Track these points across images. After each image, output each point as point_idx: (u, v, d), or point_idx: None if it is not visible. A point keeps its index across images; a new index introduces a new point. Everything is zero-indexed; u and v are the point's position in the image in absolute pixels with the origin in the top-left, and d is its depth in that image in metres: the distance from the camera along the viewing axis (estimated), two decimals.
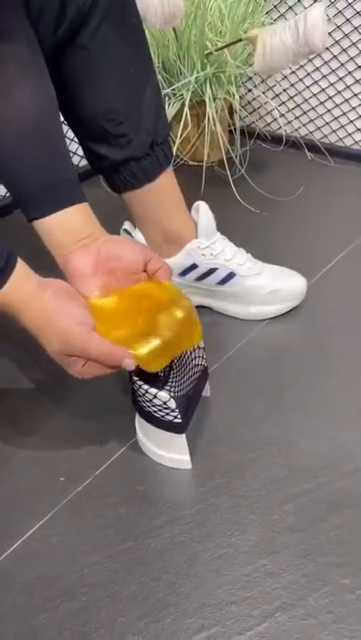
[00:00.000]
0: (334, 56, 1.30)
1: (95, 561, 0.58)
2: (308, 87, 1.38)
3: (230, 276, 0.84)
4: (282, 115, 1.44)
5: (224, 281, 0.84)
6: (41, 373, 0.80)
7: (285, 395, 0.75)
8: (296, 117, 1.43)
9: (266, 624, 0.52)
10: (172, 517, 0.61)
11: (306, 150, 1.38)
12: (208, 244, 0.82)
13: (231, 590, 0.55)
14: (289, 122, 1.44)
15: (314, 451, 0.67)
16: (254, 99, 1.47)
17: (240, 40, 1.09)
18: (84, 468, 0.67)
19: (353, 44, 1.26)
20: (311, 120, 1.41)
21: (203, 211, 0.81)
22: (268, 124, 1.48)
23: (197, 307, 0.88)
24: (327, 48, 1.30)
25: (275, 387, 0.76)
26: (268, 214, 1.14)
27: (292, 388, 0.76)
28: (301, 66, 1.36)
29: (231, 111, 1.34)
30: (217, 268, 0.83)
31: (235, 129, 1.30)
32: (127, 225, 0.86)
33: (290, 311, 0.88)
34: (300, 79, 1.38)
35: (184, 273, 0.84)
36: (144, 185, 0.77)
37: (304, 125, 1.42)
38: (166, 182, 0.78)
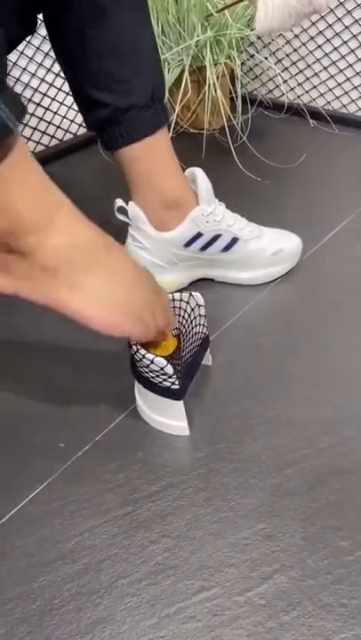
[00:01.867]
0: (338, 19, 1.27)
1: (95, 525, 0.58)
2: (311, 52, 1.34)
3: (234, 241, 0.83)
4: (285, 81, 1.41)
5: (228, 247, 0.83)
6: (39, 338, 0.79)
7: (286, 362, 0.74)
8: (299, 84, 1.40)
9: (265, 585, 0.52)
10: (172, 482, 0.61)
11: (309, 117, 1.35)
12: (211, 209, 0.80)
13: (230, 553, 0.55)
14: (292, 88, 1.41)
15: (315, 416, 0.67)
16: (256, 65, 1.43)
17: (242, 0, 1.06)
18: (83, 434, 0.66)
19: (358, 5, 1.23)
20: (314, 86, 1.38)
21: (200, 177, 0.79)
22: (271, 91, 1.45)
23: (200, 280, 0.88)
24: (331, 9, 1.26)
25: (275, 354, 0.76)
26: (270, 182, 1.12)
27: (293, 355, 0.75)
28: (304, 29, 1.33)
29: (233, 77, 1.31)
30: (220, 235, 0.82)
31: (236, 96, 1.27)
32: (120, 202, 0.82)
33: (290, 278, 0.88)
34: (303, 44, 1.34)
35: (189, 244, 0.82)
36: (144, 138, 0.75)
37: (307, 92, 1.39)
38: (164, 141, 0.77)
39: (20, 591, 0.53)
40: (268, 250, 0.85)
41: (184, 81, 1.19)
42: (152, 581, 0.53)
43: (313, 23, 1.31)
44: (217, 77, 1.22)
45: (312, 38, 1.32)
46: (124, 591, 0.53)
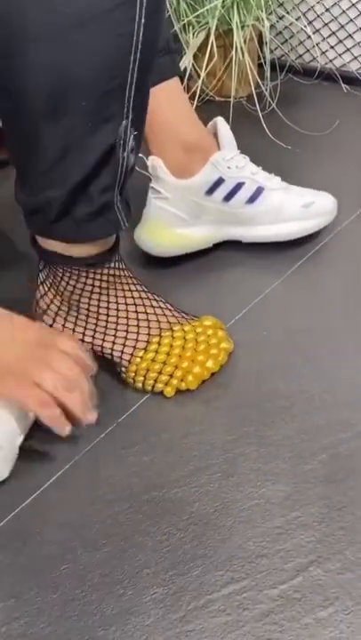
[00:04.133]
0: None
1: (118, 511, 0.55)
2: (344, 11, 1.27)
3: (259, 191, 0.78)
4: (316, 44, 1.34)
5: (253, 198, 0.78)
6: None
7: (320, 342, 0.70)
8: (331, 47, 1.32)
9: (299, 578, 0.49)
10: (199, 467, 0.58)
11: (341, 82, 1.28)
12: (232, 155, 0.76)
13: (262, 543, 0.52)
14: (323, 52, 1.34)
15: (351, 399, 0.63)
16: (286, 27, 1.36)
17: None
18: (106, 415, 0.63)
19: None
20: (348, 49, 1.31)
21: (221, 124, 0.77)
22: (301, 56, 1.38)
23: (226, 242, 0.83)
24: None
25: (306, 335, 0.71)
26: (300, 150, 1.07)
27: (326, 336, 0.71)
28: None
29: (261, 42, 1.24)
30: (244, 182, 0.77)
31: (265, 61, 1.21)
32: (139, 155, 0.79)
33: (322, 252, 0.83)
34: (336, 2, 1.27)
35: (211, 191, 0.78)
36: (160, 82, 0.73)
37: (340, 55, 1.32)
38: (180, 88, 0.76)
39: (40, 580, 0.50)
40: (298, 201, 0.80)
41: (209, 45, 1.13)
42: (179, 572, 0.50)
43: None
44: (244, 41, 1.15)
45: None
46: (149, 581, 0.50)
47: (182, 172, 0.77)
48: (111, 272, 0.62)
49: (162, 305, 0.66)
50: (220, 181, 0.77)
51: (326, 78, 1.31)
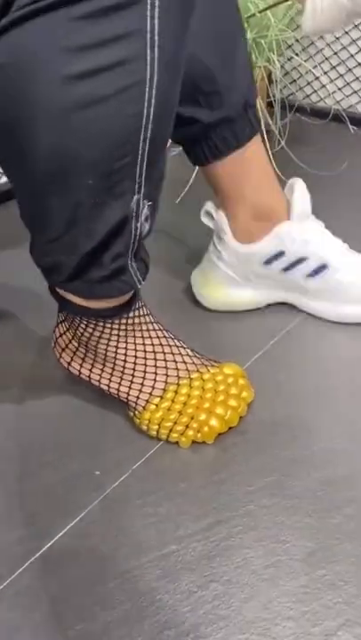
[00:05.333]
0: None
1: (136, 565, 0.53)
2: (352, 56, 1.29)
3: (322, 267, 0.72)
4: (323, 86, 1.36)
5: (315, 273, 0.73)
6: None
7: (339, 391, 0.68)
8: (339, 89, 1.34)
9: None
10: (219, 519, 0.56)
11: (349, 123, 1.29)
12: (301, 227, 0.72)
13: (287, 603, 0.49)
14: (330, 93, 1.36)
15: None
16: (294, 68, 1.38)
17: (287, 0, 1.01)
18: (121, 460, 0.61)
19: None
20: (355, 91, 1.32)
21: (298, 188, 0.71)
22: (308, 96, 1.40)
23: (279, 304, 0.80)
24: None
25: (325, 380, 0.70)
26: (310, 190, 1.07)
27: (347, 382, 0.69)
28: (346, 32, 1.27)
29: (270, 81, 1.26)
30: (307, 258, 0.72)
31: (274, 100, 1.22)
32: (209, 206, 0.75)
33: None
34: (345, 47, 1.29)
35: (269, 261, 0.73)
36: (235, 151, 0.69)
37: (347, 97, 1.34)
38: (257, 149, 0.71)
39: None
40: None
41: None
42: (201, 634, 0.48)
43: (355, 26, 1.25)
44: (255, 81, 1.17)
45: (354, 41, 1.27)
46: None
47: (247, 237, 0.73)
48: (130, 321, 0.60)
49: (182, 351, 0.64)
50: (280, 254, 0.73)
51: (334, 119, 1.32)
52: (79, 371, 0.64)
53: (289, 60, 1.37)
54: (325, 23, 0.91)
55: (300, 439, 0.62)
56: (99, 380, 0.64)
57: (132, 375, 0.62)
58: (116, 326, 0.60)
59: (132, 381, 0.62)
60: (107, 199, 0.47)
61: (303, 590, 0.50)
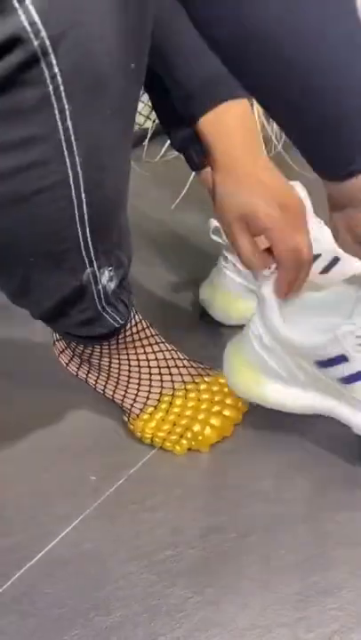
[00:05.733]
0: None
1: (131, 571, 0.53)
2: None
3: None
4: None
5: (350, 379, 0.55)
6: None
7: None
8: None
9: None
10: (214, 525, 0.56)
11: None
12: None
13: (281, 610, 0.50)
14: None
15: None
16: None
17: None
18: (117, 465, 0.62)
19: None
20: None
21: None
22: None
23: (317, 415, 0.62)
24: None
25: None
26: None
27: None
28: None
29: None
30: (346, 358, 0.54)
31: None
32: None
33: None
34: None
35: (328, 364, 0.56)
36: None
37: None
38: None
39: None
40: None
41: None
42: None
43: None
44: None
45: None
46: None
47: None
48: (124, 339, 0.60)
49: (178, 363, 0.64)
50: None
51: None
52: (77, 372, 0.65)
53: None
54: None
55: (297, 443, 0.63)
56: (94, 385, 0.64)
57: (127, 384, 0.62)
58: (113, 345, 0.60)
59: (126, 390, 0.63)
60: (55, 273, 0.47)
61: (297, 597, 0.50)
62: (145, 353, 0.62)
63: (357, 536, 0.54)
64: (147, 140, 1.23)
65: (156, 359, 0.63)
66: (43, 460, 0.63)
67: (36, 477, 0.61)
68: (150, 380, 0.62)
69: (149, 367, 0.63)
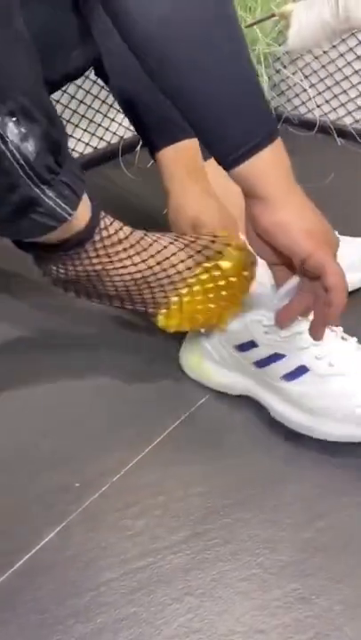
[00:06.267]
0: None
1: (112, 578, 0.53)
2: (340, 69, 1.30)
3: (301, 370, 0.62)
4: (310, 98, 1.37)
5: (293, 376, 0.62)
6: (51, 360, 0.75)
7: None
8: (326, 101, 1.36)
9: None
10: (196, 532, 0.56)
11: (336, 136, 1.31)
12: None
13: (260, 617, 0.50)
14: (318, 106, 1.37)
15: (349, 464, 0.62)
16: (282, 80, 1.40)
17: (273, 16, 1.02)
18: (101, 472, 0.62)
19: None
20: (342, 104, 1.34)
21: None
22: (296, 108, 1.41)
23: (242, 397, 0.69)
24: None
25: None
26: None
27: None
28: (334, 46, 1.29)
29: None
30: (284, 355, 0.62)
31: None
32: None
33: None
34: (333, 60, 1.30)
35: (243, 348, 0.65)
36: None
37: (334, 110, 1.35)
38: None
39: None
40: (353, 400, 0.60)
41: None
42: None
43: (343, 40, 1.27)
44: None
45: (342, 55, 1.29)
46: None
47: None
48: (102, 242, 0.57)
49: (172, 259, 0.60)
50: (252, 344, 0.65)
51: (321, 131, 1.34)
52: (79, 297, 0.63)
53: (277, 72, 1.38)
54: (310, 40, 0.93)
55: (278, 459, 0.63)
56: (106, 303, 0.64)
57: (129, 295, 0.61)
58: (93, 254, 0.57)
59: (122, 307, 0.63)
60: None
61: (276, 604, 0.51)
62: (130, 257, 0.59)
63: (336, 543, 0.55)
64: (138, 147, 1.23)
65: (145, 261, 0.59)
66: (27, 467, 0.63)
67: (20, 485, 0.62)
68: (150, 286, 0.61)
69: (142, 273, 0.60)
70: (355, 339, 0.65)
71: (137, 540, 0.56)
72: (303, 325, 0.59)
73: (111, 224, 0.58)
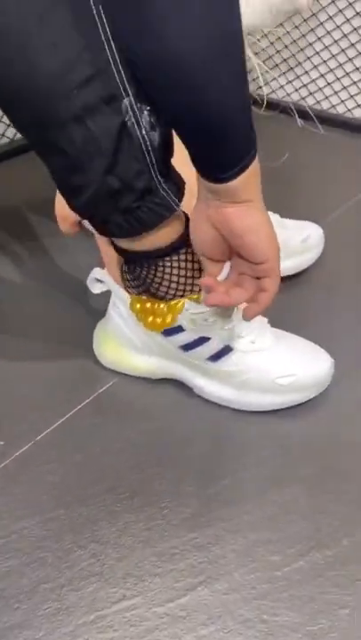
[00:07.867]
0: (330, 17, 1.24)
1: (25, 526, 0.57)
2: (301, 50, 1.32)
3: (226, 350, 0.64)
4: (274, 78, 1.39)
5: (218, 356, 0.65)
6: None
7: None
8: (288, 82, 1.37)
9: (187, 597, 0.51)
10: (109, 486, 0.60)
11: (297, 116, 1.33)
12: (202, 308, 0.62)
13: (157, 562, 0.54)
14: (281, 86, 1.39)
15: (258, 421, 0.65)
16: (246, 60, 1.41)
17: None
18: (25, 431, 0.66)
19: (350, 4, 1.20)
20: (304, 85, 1.35)
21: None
22: (260, 87, 1.43)
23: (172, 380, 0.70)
24: (323, 8, 1.24)
25: None
26: None
27: None
28: (296, 26, 1.30)
29: None
30: (209, 338, 0.64)
31: None
32: (98, 272, 0.68)
33: None
34: (295, 40, 1.32)
35: (168, 333, 0.65)
36: None
37: (297, 90, 1.37)
38: None
39: None
40: (272, 373, 0.65)
41: None
42: (74, 587, 0.52)
43: (304, 20, 1.28)
44: None
45: (303, 36, 1.30)
46: (44, 596, 0.52)
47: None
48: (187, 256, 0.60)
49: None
50: (179, 329, 0.66)
51: (283, 111, 1.36)
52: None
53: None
54: (256, 20, 0.95)
55: (192, 417, 0.67)
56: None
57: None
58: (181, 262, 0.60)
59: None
60: (99, 106, 0.47)
61: (173, 551, 0.55)
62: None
63: (238, 497, 0.58)
64: None
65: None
66: None
67: None
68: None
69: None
70: (266, 319, 0.67)
71: (53, 494, 0.60)
72: (229, 309, 0.62)
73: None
